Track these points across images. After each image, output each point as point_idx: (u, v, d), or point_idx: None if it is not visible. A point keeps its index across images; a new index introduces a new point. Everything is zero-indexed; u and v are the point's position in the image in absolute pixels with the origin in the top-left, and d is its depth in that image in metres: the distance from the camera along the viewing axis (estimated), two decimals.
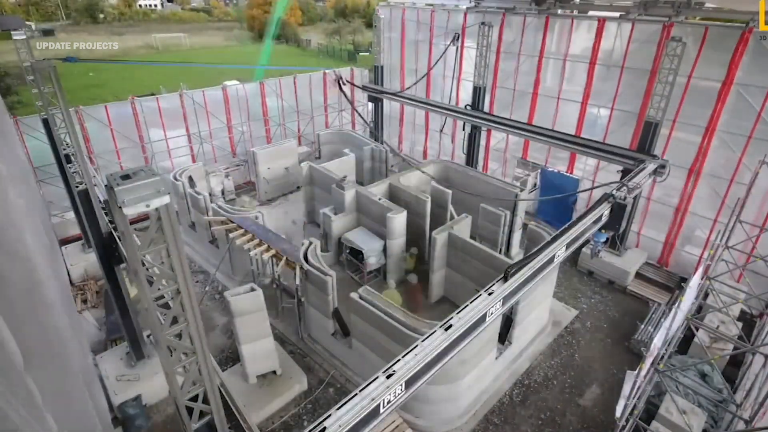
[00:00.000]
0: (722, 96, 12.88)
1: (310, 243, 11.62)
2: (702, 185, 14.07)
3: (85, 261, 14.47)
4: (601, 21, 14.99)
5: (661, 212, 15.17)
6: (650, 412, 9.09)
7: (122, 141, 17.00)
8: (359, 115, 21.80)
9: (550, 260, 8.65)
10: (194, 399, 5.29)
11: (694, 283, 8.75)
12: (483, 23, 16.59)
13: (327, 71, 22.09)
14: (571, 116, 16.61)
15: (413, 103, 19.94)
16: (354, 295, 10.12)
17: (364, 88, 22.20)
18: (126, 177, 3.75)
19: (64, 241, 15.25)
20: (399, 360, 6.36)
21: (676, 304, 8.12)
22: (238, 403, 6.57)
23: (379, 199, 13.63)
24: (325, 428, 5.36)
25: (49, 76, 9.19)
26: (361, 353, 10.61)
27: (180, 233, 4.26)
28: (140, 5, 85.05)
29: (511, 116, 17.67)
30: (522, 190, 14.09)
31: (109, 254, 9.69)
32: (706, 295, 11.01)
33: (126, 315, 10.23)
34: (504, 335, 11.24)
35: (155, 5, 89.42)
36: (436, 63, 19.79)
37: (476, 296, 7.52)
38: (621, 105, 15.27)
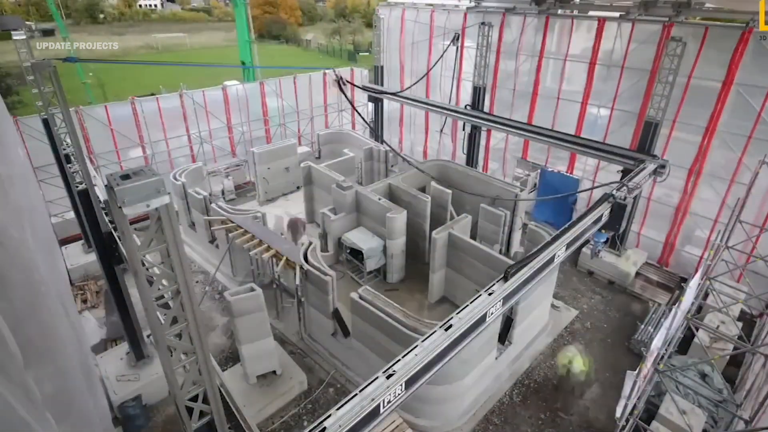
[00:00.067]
0: (722, 96, 12.88)
1: (310, 243, 11.62)
2: (702, 185, 14.07)
3: (85, 261, 14.48)
4: (601, 21, 14.99)
5: (661, 212, 15.17)
6: (650, 412, 9.09)
7: (122, 141, 17.02)
8: (359, 115, 21.79)
9: (550, 260, 8.64)
10: (194, 399, 5.29)
11: (694, 283, 8.75)
12: (483, 23, 16.59)
13: (327, 71, 22.08)
14: (571, 116, 16.61)
15: (413, 103, 19.94)
16: (354, 295, 10.12)
17: (364, 88, 22.21)
18: (126, 177, 3.75)
19: (64, 241, 15.25)
20: (399, 360, 6.36)
21: (676, 304, 8.12)
22: (238, 403, 6.57)
23: (379, 199, 13.63)
24: (325, 428, 5.35)
25: (49, 76, 9.19)
26: (361, 353, 10.61)
27: (180, 233, 4.26)
28: (140, 5, 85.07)
29: (511, 116, 17.68)
30: (522, 190, 14.09)
31: (109, 254, 9.69)
32: (706, 295, 11.01)
33: (126, 315, 10.23)
34: (504, 335, 11.24)
35: (155, 5, 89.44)
36: (435, 63, 19.79)
37: (476, 296, 7.51)
38: (621, 105, 15.27)
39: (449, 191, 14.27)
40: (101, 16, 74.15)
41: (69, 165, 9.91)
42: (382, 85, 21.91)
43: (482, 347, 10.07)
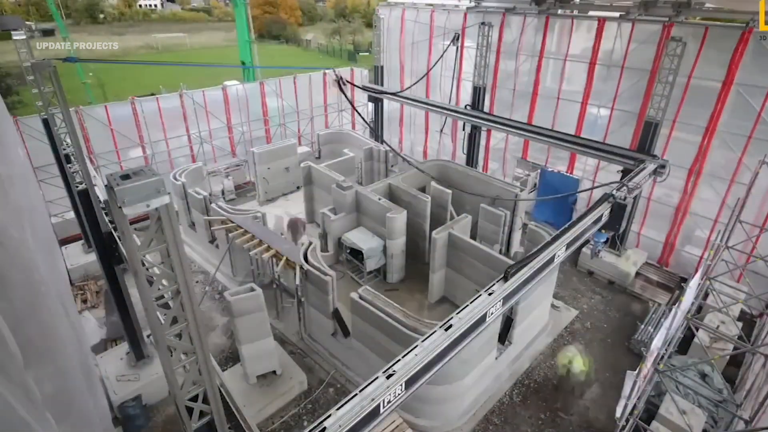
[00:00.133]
0: (722, 96, 12.88)
1: (310, 243, 11.62)
2: (702, 185, 14.08)
3: (85, 261, 14.48)
4: (601, 21, 14.99)
5: (661, 212, 15.17)
6: (650, 412, 9.09)
7: (122, 141, 17.02)
8: (359, 115, 21.79)
9: (550, 260, 8.64)
10: (194, 399, 5.29)
11: (694, 283, 8.75)
12: (483, 23, 16.59)
13: (327, 71, 22.09)
14: (571, 116, 16.62)
15: (413, 103, 19.94)
16: (354, 295, 10.12)
17: (364, 88, 22.21)
18: (126, 177, 3.75)
19: (64, 241, 15.25)
20: (399, 360, 6.36)
21: (676, 304, 8.12)
22: (238, 403, 6.57)
23: (379, 199, 13.63)
24: (325, 428, 5.36)
25: (49, 76, 9.19)
26: (361, 353, 10.61)
27: (180, 233, 4.26)
28: (140, 5, 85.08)
29: (511, 116, 17.68)
30: (522, 190, 14.10)
31: (109, 254, 9.69)
32: (706, 295, 11.01)
33: (126, 315, 10.23)
34: (504, 335, 11.24)
35: (155, 5, 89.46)
36: (435, 63, 19.79)
37: (476, 296, 7.52)
38: (621, 105, 15.27)
39: (449, 191, 14.27)
40: (101, 16, 74.15)
41: (69, 165, 9.91)
42: (382, 85, 21.90)
43: (482, 347, 10.07)
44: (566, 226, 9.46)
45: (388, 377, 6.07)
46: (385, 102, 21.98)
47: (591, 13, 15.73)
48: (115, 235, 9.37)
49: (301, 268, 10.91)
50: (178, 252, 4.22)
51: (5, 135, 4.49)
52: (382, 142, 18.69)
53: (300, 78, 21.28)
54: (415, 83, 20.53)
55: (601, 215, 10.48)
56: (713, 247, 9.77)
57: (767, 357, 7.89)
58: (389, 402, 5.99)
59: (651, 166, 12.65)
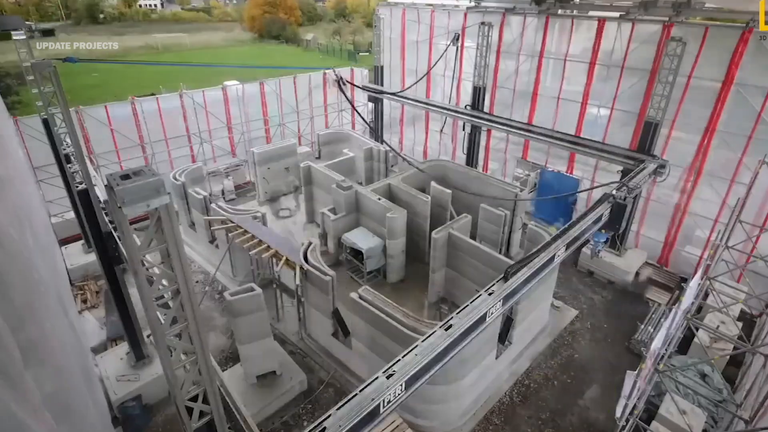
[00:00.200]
0: (722, 96, 12.88)
1: (310, 243, 11.62)
2: (702, 185, 14.07)
3: (85, 261, 14.47)
4: (601, 21, 14.99)
5: (661, 212, 15.17)
6: (650, 412, 9.08)
7: (122, 141, 17.02)
8: (359, 114, 21.80)
9: (550, 260, 8.65)
10: (194, 399, 5.29)
11: (694, 283, 8.74)
12: (483, 23, 16.60)
13: (327, 71, 22.09)
14: (571, 116, 16.62)
15: (412, 102, 19.95)
16: (354, 295, 10.12)
17: (364, 87, 22.22)
18: (126, 177, 3.74)
19: (64, 241, 15.25)
20: (399, 360, 6.36)
21: (676, 304, 8.11)
22: (238, 403, 6.57)
23: (379, 199, 13.63)
24: (325, 428, 5.36)
25: (49, 76, 9.19)
26: (361, 353, 10.61)
27: (180, 233, 4.26)
28: (140, 5, 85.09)
29: (511, 116, 17.69)
30: (522, 190, 14.10)
31: (109, 254, 9.69)
32: (706, 295, 11.00)
33: (126, 315, 10.23)
34: (504, 335, 11.22)
35: (155, 5, 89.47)
36: (435, 63, 19.79)
37: (476, 296, 7.52)
38: (621, 105, 15.27)
39: (449, 191, 14.26)
40: (101, 16, 74.14)
41: (69, 165, 9.91)
42: (382, 85, 21.90)
43: (482, 347, 10.07)
44: (566, 226, 9.47)
45: (388, 377, 6.07)
46: (386, 102, 21.97)
47: (591, 13, 15.72)
48: (115, 235, 9.37)
49: (301, 268, 10.91)
50: (178, 252, 4.22)
51: (4, 136, 4.49)
52: (382, 142, 18.69)
53: (300, 78, 21.27)
54: (415, 83, 20.54)
55: (601, 215, 10.49)
56: (713, 247, 9.76)
57: (767, 357, 7.89)
58: (389, 402, 5.99)
59: (651, 166, 12.67)
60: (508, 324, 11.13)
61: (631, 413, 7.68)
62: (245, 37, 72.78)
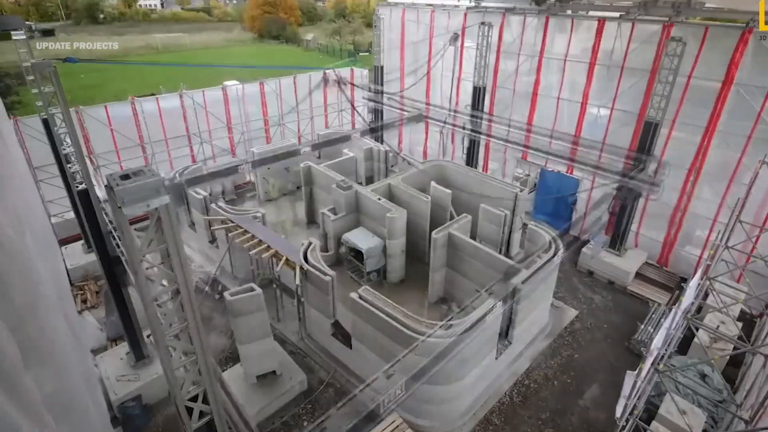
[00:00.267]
0: (722, 96, 12.88)
1: (310, 243, 11.62)
2: (702, 185, 14.07)
3: (85, 261, 14.47)
4: (601, 21, 14.98)
5: (660, 212, 15.17)
6: (650, 412, 9.08)
7: (122, 141, 17.02)
8: (359, 114, 21.80)
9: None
10: (194, 399, 5.29)
11: (694, 283, 8.74)
12: (483, 23, 16.59)
13: (327, 71, 22.09)
14: (571, 116, 16.61)
15: (409, 109, 19.95)
16: (354, 295, 10.12)
17: (363, 89, 22.22)
18: (126, 177, 3.75)
19: (64, 241, 15.24)
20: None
21: (676, 304, 8.11)
22: (238, 403, 6.57)
23: (379, 199, 13.62)
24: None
25: (49, 76, 9.19)
26: (361, 353, 10.61)
27: (180, 233, 4.26)
28: (140, 5, 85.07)
29: (511, 116, 17.68)
30: (522, 190, 14.09)
31: (109, 254, 9.69)
32: (706, 295, 10.99)
33: (126, 315, 10.22)
34: (506, 331, 11.18)
35: (155, 5, 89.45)
36: (435, 63, 19.79)
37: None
38: (621, 105, 15.26)
39: (449, 191, 14.26)
40: (101, 16, 74.12)
41: (69, 165, 9.90)
42: (381, 85, 21.90)
43: (482, 347, 10.07)
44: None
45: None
46: (386, 101, 21.96)
47: (591, 13, 15.73)
48: (115, 235, 9.37)
49: (301, 268, 10.90)
50: (178, 252, 4.22)
51: (3, 135, 4.49)
52: (382, 142, 18.69)
53: (300, 78, 21.27)
54: (414, 84, 20.54)
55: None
56: (713, 247, 9.76)
57: (767, 357, 7.88)
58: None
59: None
60: (508, 322, 11.12)
61: (631, 413, 7.67)
62: (245, 37, 72.76)
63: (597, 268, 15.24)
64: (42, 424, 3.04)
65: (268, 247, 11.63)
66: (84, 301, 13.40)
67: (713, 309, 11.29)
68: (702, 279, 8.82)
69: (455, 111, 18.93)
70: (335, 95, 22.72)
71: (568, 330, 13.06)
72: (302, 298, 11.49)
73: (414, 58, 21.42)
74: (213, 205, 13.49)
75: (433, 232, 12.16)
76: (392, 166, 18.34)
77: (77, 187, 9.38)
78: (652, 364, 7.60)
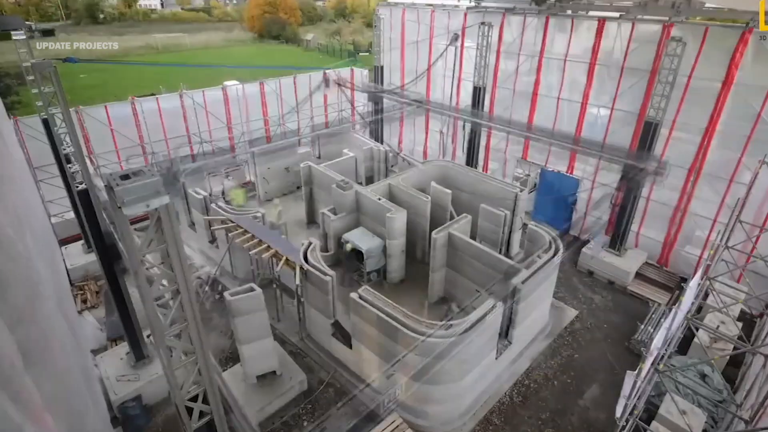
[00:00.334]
0: (722, 96, 12.87)
1: (310, 243, 11.62)
2: (702, 185, 14.07)
3: (85, 261, 14.47)
4: (601, 21, 14.98)
5: (660, 212, 15.17)
6: (650, 412, 9.08)
7: (122, 141, 17.02)
8: (359, 114, 21.78)
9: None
10: (194, 399, 5.29)
11: (694, 283, 8.73)
12: (483, 23, 16.59)
13: (327, 71, 22.10)
14: (571, 116, 16.61)
15: (411, 103, 19.94)
16: (354, 295, 10.12)
17: (363, 89, 22.22)
18: (126, 177, 3.75)
19: (64, 241, 15.24)
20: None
21: (676, 304, 8.11)
22: (238, 403, 6.57)
23: (379, 199, 13.62)
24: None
25: (49, 76, 9.19)
26: (361, 353, 10.61)
27: (180, 233, 4.26)
28: (140, 5, 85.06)
29: (511, 116, 17.68)
30: (522, 190, 14.09)
31: (109, 254, 9.69)
32: (706, 295, 10.99)
33: (126, 315, 10.22)
34: (506, 331, 11.18)
35: (155, 5, 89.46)
36: (435, 62, 19.79)
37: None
38: (621, 105, 15.26)
39: (449, 191, 14.26)
40: (101, 16, 74.12)
41: (69, 165, 9.91)
42: (382, 84, 21.90)
43: (482, 347, 10.07)
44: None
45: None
46: (386, 102, 21.96)
47: (591, 13, 15.73)
48: (115, 234, 9.37)
49: (301, 268, 10.90)
50: (178, 252, 4.22)
51: (3, 135, 4.49)
52: (382, 142, 18.69)
53: (300, 78, 21.28)
54: (413, 81, 20.53)
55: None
56: (713, 247, 9.76)
57: (767, 357, 7.88)
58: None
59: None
60: (508, 321, 11.11)
61: (631, 413, 7.67)
62: (245, 37, 72.74)
63: (597, 268, 15.24)
64: (42, 424, 3.04)
65: (268, 247, 11.63)
66: (84, 301, 13.40)
67: (713, 309, 11.29)
68: (702, 279, 8.82)
69: (455, 110, 18.91)
70: (335, 95, 22.73)
71: (568, 330, 13.06)
72: (302, 298, 11.49)
73: (414, 58, 21.42)
74: (213, 205, 13.49)
75: (433, 232, 12.16)
76: (392, 166, 18.33)
77: (77, 187, 9.38)
78: (652, 364, 7.60)
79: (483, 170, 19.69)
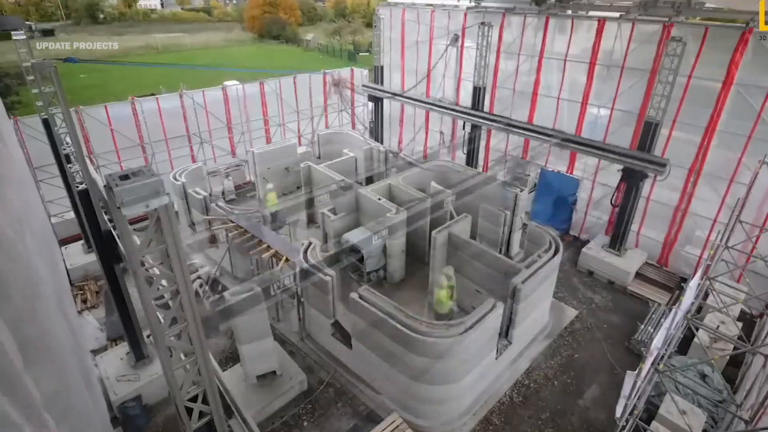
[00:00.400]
0: (722, 96, 12.87)
1: (310, 243, 11.62)
2: (702, 185, 14.07)
3: (85, 261, 14.47)
4: (601, 21, 14.98)
5: (660, 212, 15.17)
6: (650, 412, 9.09)
7: (122, 141, 17.03)
8: (358, 120, 21.82)
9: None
10: (194, 399, 5.29)
11: (694, 283, 8.74)
12: (483, 23, 16.59)
13: (327, 72, 22.11)
14: (572, 116, 16.61)
15: (411, 101, 19.94)
16: (354, 295, 10.12)
17: (364, 87, 22.22)
18: (125, 177, 3.75)
19: (64, 241, 15.25)
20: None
21: (676, 304, 8.11)
22: (238, 403, 6.57)
23: (379, 199, 13.62)
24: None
25: (49, 76, 9.19)
26: (361, 353, 10.61)
27: (179, 233, 4.26)
28: (140, 5, 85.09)
29: (511, 116, 17.67)
30: (522, 190, 14.07)
31: (109, 254, 9.69)
32: (706, 295, 11.00)
33: (126, 315, 10.23)
34: (506, 331, 11.18)
35: (155, 5, 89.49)
36: (435, 64, 19.79)
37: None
38: (621, 105, 15.26)
39: (449, 191, 14.25)
40: (101, 16, 74.16)
41: (69, 165, 9.91)
42: (382, 85, 21.91)
43: (482, 347, 10.07)
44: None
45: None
46: (385, 102, 21.98)
47: (591, 13, 15.73)
48: (114, 234, 9.37)
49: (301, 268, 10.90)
50: (177, 252, 4.22)
51: (3, 136, 4.49)
52: (382, 142, 18.70)
53: (300, 78, 21.29)
54: (415, 85, 20.54)
55: None
56: (713, 247, 9.76)
57: (767, 357, 7.89)
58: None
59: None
60: (508, 321, 11.09)
61: (631, 413, 7.68)
62: (245, 37, 72.80)
63: (597, 268, 15.24)
64: (42, 424, 3.04)
65: (268, 247, 11.63)
66: (84, 301, 13.41)
67: (713, 309, 11.29)
68: (702, 279, 8.82)
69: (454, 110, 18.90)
70: (335, 95, 22.75)
71: (568, 330, 13.07)
72: (302, 298, 11.49)
73: (414, 58, 21.42)
74: (213, 205, 13.49)
75: (434, 232, 12.16)
76: (392, 166, 18.33)
77: (77, 187, 9.38)
78: (652, 364, 7.60)
79: (483, 170, 19.69)
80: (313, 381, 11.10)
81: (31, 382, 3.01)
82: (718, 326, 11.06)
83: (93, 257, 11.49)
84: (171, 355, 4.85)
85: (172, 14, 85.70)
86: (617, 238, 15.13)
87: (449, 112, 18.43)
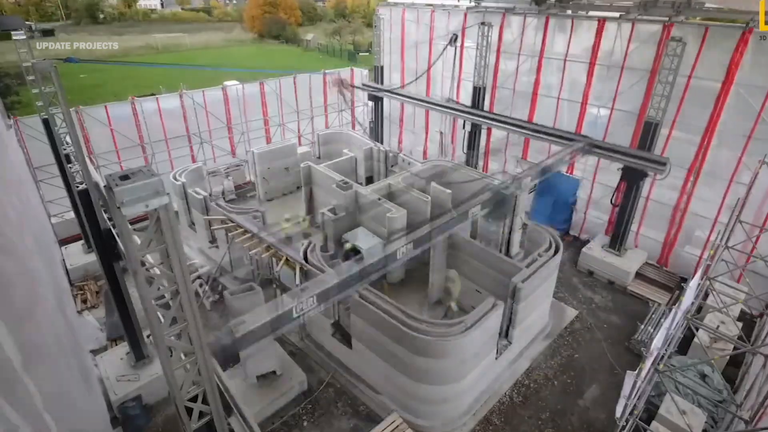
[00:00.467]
0: (722, 96, 12.87)
1: (310, 243, 11.62)
2: (702, 185, 14.07)
3: (85, 261, 14.47)
4: (601, 21, 14.98)
5: (660, 212, 15.17)
6: (650, 412, 9.09)
7: (122, 141, 17.03)
8: (358, 122, 21.82)
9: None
10: (194, 399, 5.29)
11: (694, 283, 8.74)
12: (483, 23, 16.58)
13: (327, 72, 22.12)
14: (572, 116, 16.61)
15: (411, 100, 19.94)
16: (354, 295, 10.11)
17: (364, 86, 22.22)
18: (125, 177, 3.75)
19: (64, 241, 15.25)
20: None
21: (676, 304, 8.11)
22: (238, 403, 6.57)
23: (379, 199, 13.62)
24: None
25: (49, 76, 9.19)
26: (361, 353, 10.61)
27: (180, 233, 4.26)
28: (140, 5, 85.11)
29: (511, 116, 17.65)
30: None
31: (109, 254, 9.69)
32: (706, 295, 11.00)
33: (126, 315, 10.22)
34: (506, 331, 11.18)
35: (155, 5, 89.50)
36: (435, 62, 19.78)
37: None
38: (621, 105, 15.26)
39: (449, 191, 14.25)
40: (101, 16, 74.17)
41: (69, 165, 9.91)
42: (382, 84, 21.91)
43: (482, 347, 10.07)
44: None
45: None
46: (386, 102, 21.97)
47: (591, 13, 15.72)
48: (114, 234, 9.37)
49: (302, 268, 10.90)
50: (177, 252, 4.22)
51: (2, 138, 4.49)
52: (382, 141, 18.69)
53: (300, 78, 21.29)
54: (412, 81, 20.53)
55: None
56: (713, 247, 9.75)
57: (767, 357, 7.89)
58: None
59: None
60: (508, 320, 11.09)
61: (631, 413, 7.68)
62: (245, 37, 72.81)
63: (597, 268, 15.24)
64: (41, 424, 3.04)
65: (268, 247, 11.63)
66: (84, 301, 13.41)
67: (713, 309, 11.29)
68: (702, 279, 8.82)
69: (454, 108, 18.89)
70: (335, 95, 22.76)
71: (568, 330, 13.07)
72: None
73: (414, 58, 21.42)
74: (213, 204, 13.49)
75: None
76: (392, 166, 18.33)
77: (77, 187, 9.38)
78: (652, 364, 7.60)
79: (483, 170, 19.69)
80: (313, 381, 11.10)
81: (30, 382, 3.01)
82: (718, 326, 11.06)
83: (93, 257, 11.50)
84: (171, 355, 4.85)
85: (172, 14, 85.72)
86: (617, 238, 15.13)
87: (459, 113, 18.38)
